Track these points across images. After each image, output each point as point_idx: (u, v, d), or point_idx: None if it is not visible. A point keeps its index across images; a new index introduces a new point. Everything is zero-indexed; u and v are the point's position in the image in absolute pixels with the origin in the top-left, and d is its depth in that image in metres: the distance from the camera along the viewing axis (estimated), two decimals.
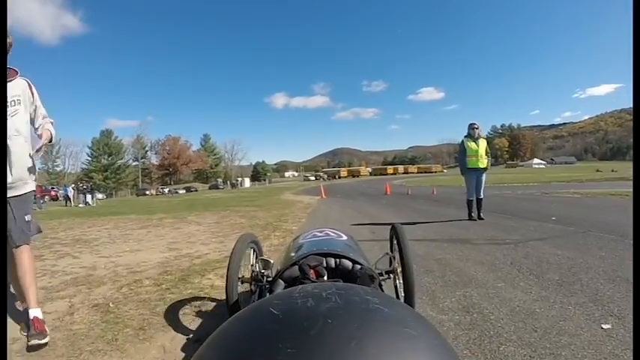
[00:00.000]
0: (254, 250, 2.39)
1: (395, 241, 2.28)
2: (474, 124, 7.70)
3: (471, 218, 7.56)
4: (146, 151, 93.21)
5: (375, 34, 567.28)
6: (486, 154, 7.56)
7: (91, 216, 14.33)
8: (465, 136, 7.76)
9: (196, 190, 65.43)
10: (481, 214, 7.50)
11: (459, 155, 7.83)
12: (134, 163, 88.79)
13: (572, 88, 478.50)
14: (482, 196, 7.58)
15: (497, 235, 5.78)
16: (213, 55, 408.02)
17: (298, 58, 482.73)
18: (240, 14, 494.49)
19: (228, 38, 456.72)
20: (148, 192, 63.93)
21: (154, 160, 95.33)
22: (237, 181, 77.33)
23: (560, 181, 27.76)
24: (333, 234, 2.16)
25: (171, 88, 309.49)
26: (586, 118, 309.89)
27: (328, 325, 0.43)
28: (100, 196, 54.24)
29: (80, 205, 26.13)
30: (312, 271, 1.49)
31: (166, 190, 63.49)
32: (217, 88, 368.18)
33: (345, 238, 2.15)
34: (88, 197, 27.65)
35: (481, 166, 7.48)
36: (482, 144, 7.57)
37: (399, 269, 2.04)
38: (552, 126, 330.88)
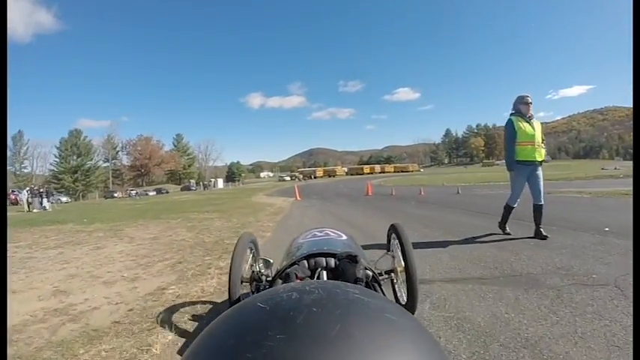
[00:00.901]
0: (251, 250, 2.32)
1: (395, 240, 2.21)
2: (527, 96, 5.19)
3: (504, 231, 5.46)
4: (117, 152, 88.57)
5: (351, 34, 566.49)
6: (542, 142, 5.27)
7: (26, 226, 11.88)
8: (514, 114, 5.31)
9: (167, 192, 61.85)
10: (541, 230, 5.11)
11: (507, 141, 5.29)
12: (105, 165, 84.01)
13: (546, 89, 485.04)
14: (542, 202, 5.20)
15: (567, 263, 3.69)
16: (188, 55, 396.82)
17: (274, 59, 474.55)
18: (214, 15, 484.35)
19: (204, 38, 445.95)
20: (116, 194, 60.44)
21: (126, 161, 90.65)
22: (211, 182, 73.82)
23: (548, 180, 26.54)
24: (332, 234, 2.05)
25: (146, 89, 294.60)
26: (559, 118, 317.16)
27: (313, 313, 0.46)
28: (64, 199, 51.06)
29: (35, 210, 23.35)
30: (298, 280, 1.43)
31: (134, 193, 59.45)
32: (193, 89, 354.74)
33: (344, 237, 2.03)
34: (45, 201, 24.93)
35: (538, 158, 5.16)
36: (538, 126, 5.25)
37: (400, 269, 1.96)
38: None
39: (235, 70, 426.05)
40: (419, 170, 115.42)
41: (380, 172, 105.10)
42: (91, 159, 79.32)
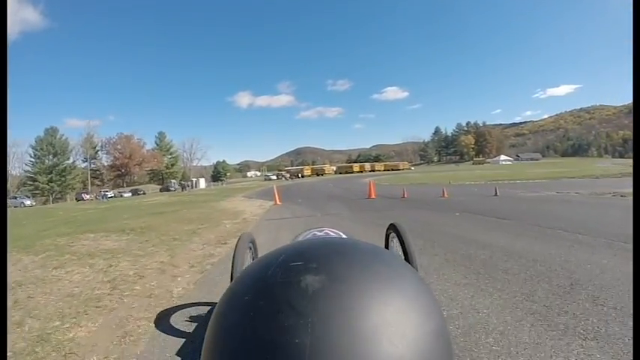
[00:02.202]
0: (251, 250, 2.33)
1: (394, 240, 2.19)
2: None
3: None
4: (96, 151, 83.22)
5: (340, 33, 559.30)
6: None
7: None
8: None
9: (144, 193, 57.32)
10: None
11: None
12: (84, 165, 78.66)
13: (533, 88, 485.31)
14: None
15: None
16: (177, 55, 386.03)
17: (263, 58, 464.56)
18: (202, 11, 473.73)
19: (193, 36, 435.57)
20: (86, 197, 55.68)
21: (105, 160, 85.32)
22: (192, 182, 68.81)
23: (570, 177, 22.99)
24: (332, 233, 1.90)
25: (134, 88, 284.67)
26: (546, 116, 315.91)
27: (321, 252, 0.51)
28: (27, 202, 46.65)
29: None
30: None
31: (102, 195, 54.48)
32: (181, 88, 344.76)
33: (345, 237, 1.67)
34: None
35: None
36: None
37: None
38: (513, 124, 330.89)
39: (224, 70, 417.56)
40: (409, 168, 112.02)
41: (370, 171, 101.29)
42: (68, 158, 73.88)
